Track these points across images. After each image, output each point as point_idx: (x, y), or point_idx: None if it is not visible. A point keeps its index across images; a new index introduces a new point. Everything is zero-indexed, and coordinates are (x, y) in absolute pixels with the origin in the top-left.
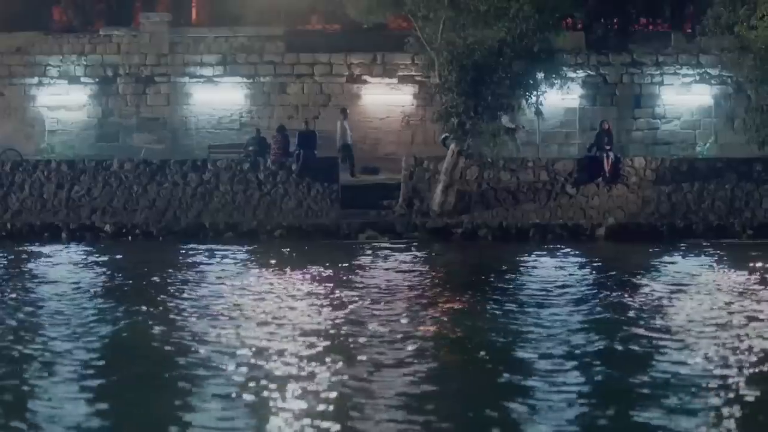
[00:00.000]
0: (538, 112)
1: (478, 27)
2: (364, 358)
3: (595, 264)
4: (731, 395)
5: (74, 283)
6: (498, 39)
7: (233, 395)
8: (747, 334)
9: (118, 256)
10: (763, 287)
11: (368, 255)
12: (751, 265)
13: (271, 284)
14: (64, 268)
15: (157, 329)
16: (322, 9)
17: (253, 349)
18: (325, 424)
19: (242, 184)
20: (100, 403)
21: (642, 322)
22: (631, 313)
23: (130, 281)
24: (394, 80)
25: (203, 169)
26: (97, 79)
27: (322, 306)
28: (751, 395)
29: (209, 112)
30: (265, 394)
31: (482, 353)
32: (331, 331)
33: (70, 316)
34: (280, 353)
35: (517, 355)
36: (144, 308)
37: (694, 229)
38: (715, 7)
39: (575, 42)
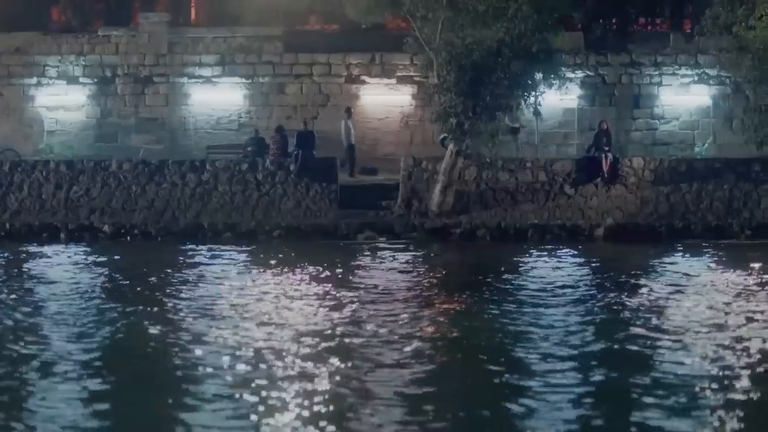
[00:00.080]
0: (537, 113)
1: (476, 27)
2: (362, 358)
3: (593, 264)
4: (729, 396)
5: (73, 283)
6: (496, 39)
7: (232, 395)
8: (745, 335)
9: (117, 257)
10: (761, 288)
11: (367, 255)
12: (750, 265)
13: (270, 285)
14: (62, 269)
15: (155, 329)
16: (320, 9)
17: (252, 349)
18: (323, 425)
19: (241, 185)
20: (98, 403)
21: (640, 323)
22: (630, 314)
23: (129, 281)
24: (393, 80)
25: (202, 170)
26: (95, 80)
27: (320, 306)
28: (749, 395)
29: (208, 112)
30: (264, 394)
31: (481, 353)
32: (330, 332)
33: (69, 316)
34: (279, 353)
35: (516, 355)
36: (142, 309)
37: (693, 229)
38: (714, 8)
39: (574, 42)
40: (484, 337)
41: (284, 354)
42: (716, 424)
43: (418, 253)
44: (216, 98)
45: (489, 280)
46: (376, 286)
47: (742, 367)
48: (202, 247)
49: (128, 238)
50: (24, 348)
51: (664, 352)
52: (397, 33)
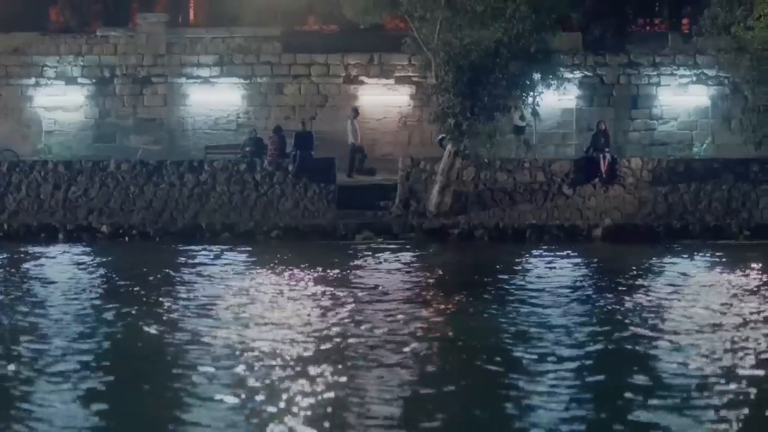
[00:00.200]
0: (535, 113)
1: (474, 27)
2: (360, 358)
3: (591, 265)
4: (729, 396)
5: (71, 283)
6: (495, 39)
7: (230, 396)
8: (744, 336)
9: (115, 257)
10: (760, 288)
11: (365, 256)
12: (748, 265)
13: (268, 285)
14: (60, 269)
15: (153, 330)
16: (319, 10)
17: (250, 349)
18: (322, 425)
19: (239, 185)
20: (97, 403)
21: (638, 323)
22: (628, 314)
23: (127, 282)
24: (391, 81)
25: (200, 170)
26: (94, 80)
27: (318, 307)
28: (748, 396)
29: (206, 112)
30: (262, 395)
31: (479, 354)
32: (328, 332)
33: (67, 316)
34: (277, 354)
35: (514, 355)
36: (141, 309)
37: (691, 229)
38: (712, 8)
39: (572, 42)
40: (482, 337)
41: (282, 354)
42: (716, 424)
43: (416, 254)
44: (214, 98)
45: (487, 280)
46: (374, 287)
47: (741, 368)
48: (200, 247)
49: (126, 238)
50: (22, 348)
51: (663, 353)
52: (395, 33)
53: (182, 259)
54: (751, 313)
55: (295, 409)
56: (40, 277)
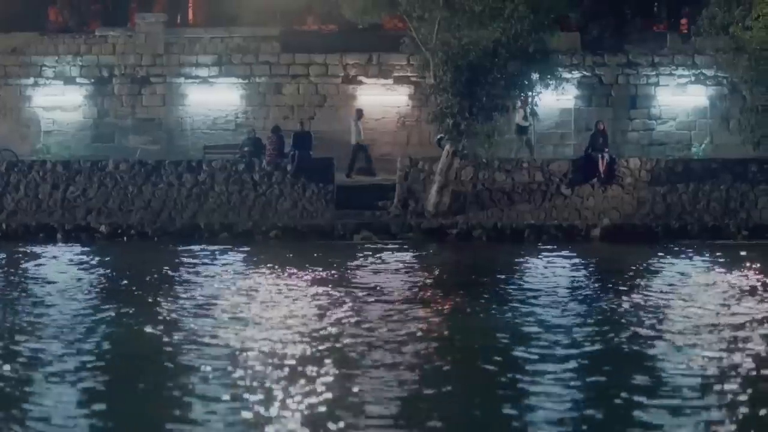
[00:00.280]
0: (533, 113)
1: (473, 27)
2: (358, 358)
3: (589, 265)
4: (728, 396)
5: (69, 283)
6: (493, 39)
7: (228, 396)
8: (742, 336)
9: (114, 257)
10: (758, 288)
11: (363, 256)
12: (747, 266)
13: (266, 285)
14: (59, 269)
15: (151, 330)
16: (317, 9)
17: (248, 349)
18: (320, 426)
19: (237, 185)
20: (94, 403)
21: (637, 323)
22: (626, 314)
23: (125, 282)
24: (390, 81)
25: (198, 170)
26: (92, 80)
27: (317, 307)
28: (747, 396)
29: (204, 112)
30: (260, 395)
31: (477, 354)
32: (326, 332)
33: (65, 316)
34: (276, 354)
35: (513, 355)
36: (139, 309)
37: (689, 230)
38: (710, 8)
39: (570, 42)
40: (480, 337)
41: (281, 354)
42: (715, 424)
43: (414, 254)
44: (213, 98)
45: (485, 280)
46: (372, 287)
47: (740, 367)
48: (199, 247)
49: (125, 238)
50: (21, 348)
51: (662, 353)
52: (394, 33)
53: (181, 259)
54: (750, 313)
55: (293, 409)
56: (39, 277)
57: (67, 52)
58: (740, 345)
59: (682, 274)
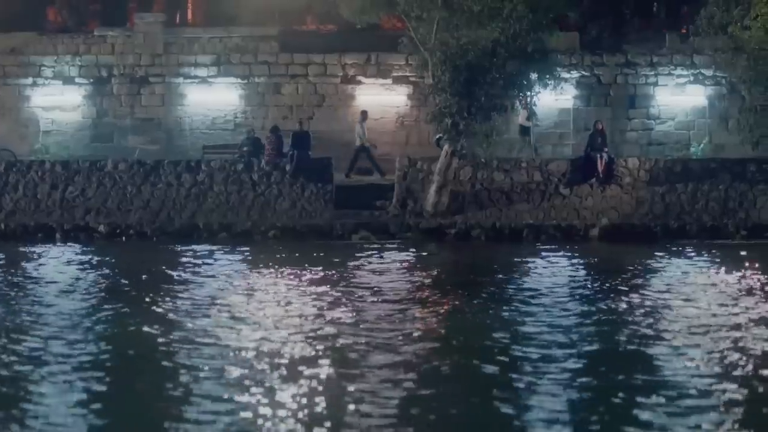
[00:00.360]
0: (532, 113)
1: (471, 27)
2: (357, 359)
3: (588, 265)
4: (726, 397)
5: (68, 283)
6: (491, 39)
7: (225, 396)
8: (740, 336)
9: (112, 257)
10: (757, 289)
11: (362, 255)
12: (745, 266)
13: (265, 285)
14: (57, 269)
15: (150, 330)
16: (316, 9)
17: (246, 349)
18: (318, 426)
19: (236, 185)
20: (93, 403)
21: (636, 323)
22: (625, 314)
23: (124, 282)
24: (389, 81)
25: (197, 170)
26: (91, 80)
27: (315, 307)
28: (745, 396)
29: (203, 112)
30: (258, 395)
31: (476, 354)
32: (325, 332)
33: (63, 316)
34: (274, 354)
35: (511, 355)
36: (138, 309)
37: (688, 229)
38: (709, 8)
39: (569, 42)
40: (479, 337)
41: (279, 354)
42: (715, 424)
43: (413, 254)
44: (212, 98)
45: (484, 280)
46: (371, 287)
47: (739, 367)
48: (198, 247)
49: (124, 238)
50: (19, 348)
51: (661, 353)
52: (392, 33)
53: (179, 259)
54: (749, 313)
55: (292, 410)
56: (37, 277)
57: (66, 52)
58: (739, 345)
59: (681, 273)
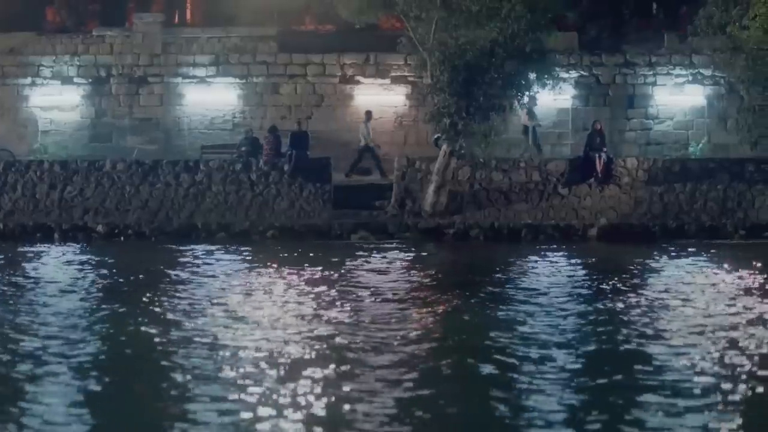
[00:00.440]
0: (531, 113)
1: (470, 27)
2: (355, 359)
3: (587, 265)
4: (726, 396)
5: (66, 283)
6: (490, 39)
7: (224, 397)
8: (739, 336)
9: (111, 257)
10: (755, 289)
11: (360, 255)
12: (744, 265)
13: (263, 285)
14: (56, 269)
15: (148, 330)
16: (315, 9)
17: (244, 350)
18: (318, 426)
19: (234, 185)
20: (92, 403)
21: (634, 323)
22: (624, 314)
23: (122, 282)
24: (387, 81)
25: (195, 170)
26: (90, 80)
27: (313, 307)
28: (744, 397)
29: (202, 112)
30: (256, 396)
31: (474, 354)
32: (323, 332)
33: (62, 316)
34: (272, 354)
35: (510, 356)
36: (136, 309)
37: (687, 229)
38: (708, 8)
39: (568, 42)
40: (477, 337)
41: (277, 354)
42: (713, 425)
43: (411, 254)
44: (210, 98)
45: (482, 280)
46: (369, 287)
47: (738, 367)
48: (196, 247)
49: (122, 238)
50: (17, 348)
51: (659, 353)
52: (391, 33)
53: (178, 259)
54: (748, 313)
55: (290, 410)
56: (36, 277)
57: (65, 52)
58: (738, 345)
59: (679, 273)
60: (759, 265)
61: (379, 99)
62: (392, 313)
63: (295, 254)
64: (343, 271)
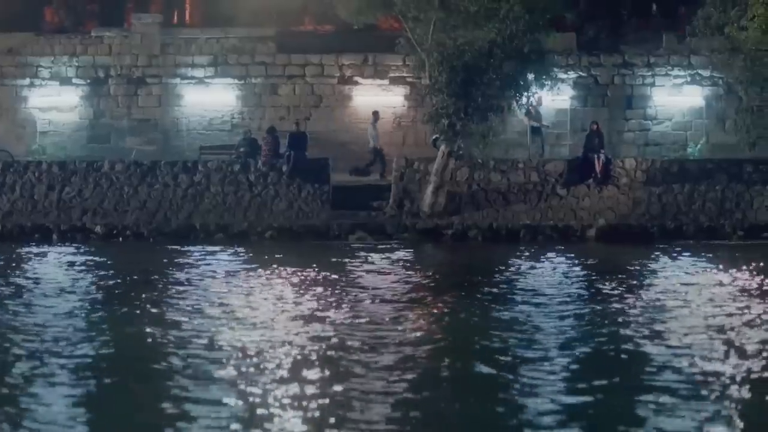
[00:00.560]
0: (529, 113)
1: (468, 28)
2: (354, 359)
3: (585, 265)
4: (725, 396)
5: (64, 284)
6: (488, 40)
7: (223, 397)
8: (738, 335)
9: (109, 258)
10: (753, 289)
11: (358, 256)
12: (742, 266)
13: (261, 286)
14: (54, 270)
15: (147, 330)
16: (313, 10)
17: (243, 350)
18: (317, 426)
19: (233, 186)
20: (91, 403)
21: (632, 324)
22: (622, 315)
23: (121, 282)
24: (386, 81)
25: (194, 171)
26: (88, 81)
27: (312, 308)
28: (743, 397)
29: (200, 113)
30: (254, 396)
31: (472, 355)
32: (321, 333)
33: (60, 317)
34: (270, 355)
35: (508, 356)
36: (135, 309)
37: (685, 230)
38: (706, 8)
39: (566, 43)
40: (476, 338)
41: (276, 355)
42: (714, 424)
43: (409, 254)
44: (209, 99)
45: (481, 280)
46: (367, 287)
47: (738, 367)
48: (194, 248)
49: (120, 239)
50: (16, 348)
51: (657, 353)
52: (389, 34)
53: (176, 260)
54: (746, 314)
55: (289, 411)
56: (34, 278)
57: (63, 53)
58: (737, 345)
59: (678, 274)
60: (757, 265)
61: (378, 100)
62: (390, 313)
63: (294, 255)
64: (341, 271)
